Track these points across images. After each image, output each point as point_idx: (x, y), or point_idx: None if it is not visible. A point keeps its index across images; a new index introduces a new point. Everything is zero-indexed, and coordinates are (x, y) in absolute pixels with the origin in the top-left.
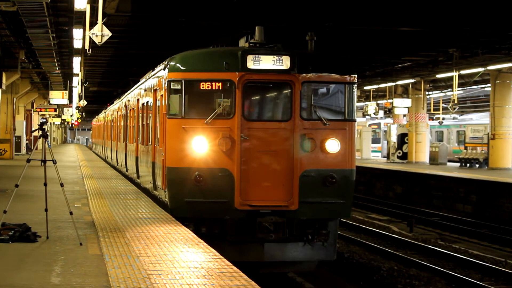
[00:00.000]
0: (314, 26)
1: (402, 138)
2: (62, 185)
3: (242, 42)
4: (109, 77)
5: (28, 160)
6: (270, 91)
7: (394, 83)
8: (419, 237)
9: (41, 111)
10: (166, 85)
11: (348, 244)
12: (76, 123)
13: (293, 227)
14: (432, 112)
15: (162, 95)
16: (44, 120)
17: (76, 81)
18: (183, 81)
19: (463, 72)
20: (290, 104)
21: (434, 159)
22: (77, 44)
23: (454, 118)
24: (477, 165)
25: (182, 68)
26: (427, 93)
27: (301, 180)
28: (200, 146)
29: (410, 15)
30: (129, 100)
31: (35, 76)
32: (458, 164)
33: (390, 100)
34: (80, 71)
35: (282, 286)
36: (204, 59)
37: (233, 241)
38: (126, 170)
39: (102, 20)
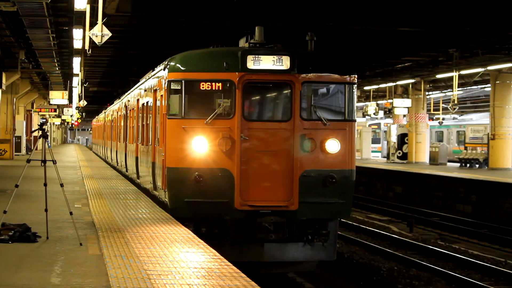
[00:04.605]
0: (314, 26)
1: (402, 138)
2: (62, 185)
3: (242, 42)
4: (109, 77)
5: (28, 160)
6: (270, 91)
7: (394, 83)
8: (419, 237)
9: (41, 111)
10: (166, 85)
11: (348, 244)
12: (76, 123)
13: (293, 227)
14: (432, 112)
15: (162, 95)
16: (44, 120)
17: (76, 81)
18: (183, 81)
19: (463, 72)
20: (290, 104)
21: (434, 159)
22: (77, 44)
23: (454, 118)
24: (477, 165)
25: (182, 68)
26: (427, 93)
27: (301, 180)
28: (200, 146)
29: (410, 15)
30: (129, 100)
31: (35, 76)
32: (458, 164)
33: (390, 100)
34: (80, 71)
35: (282, 286)
36: (204, 59)
37: (233, 241)
38: (126, 170)
39: (102, 20)
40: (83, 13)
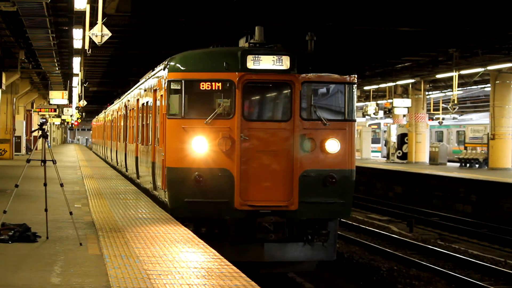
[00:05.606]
0: (314, 26)
1: (402, 138)
2: (62, 185)
3: (242, 42)
4: (109, 77)
5: (28, 160)
6: (270, 91)
7: (394, 83)
8: (419, 237)
9: (41, 111)
10: (166, 85)
11: (348, 244)
12: (76, 123)
13: (293, 227)
14: (432, 112)
15: (162, 95)
16: (44, 120)
17: (76, 81)
18: (183, 81)
19: (463, 72)
20: (290, 104)
21: (434, 159)
22: (77, 44)
23: (454, 118)
24: (477, 165)
25: (182, 68)
26: (427, 93)
27: (301, 180)
28: (200, 146)
29: (410, 15)
30: (129, 100)
31: (35, 76)
32: (458, 164)
33: (390, 100)
34: (80, 71)
35: (282, 286)
36: (204, 59)
37: (233, 241)
38: (126, 170)
39: (102, 20)
40: (83, 13)
